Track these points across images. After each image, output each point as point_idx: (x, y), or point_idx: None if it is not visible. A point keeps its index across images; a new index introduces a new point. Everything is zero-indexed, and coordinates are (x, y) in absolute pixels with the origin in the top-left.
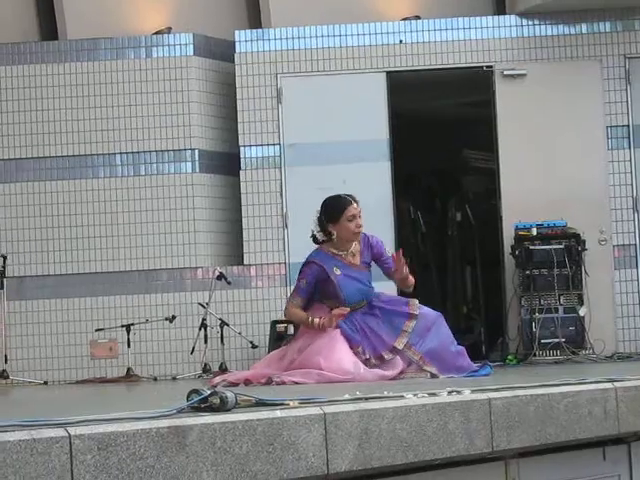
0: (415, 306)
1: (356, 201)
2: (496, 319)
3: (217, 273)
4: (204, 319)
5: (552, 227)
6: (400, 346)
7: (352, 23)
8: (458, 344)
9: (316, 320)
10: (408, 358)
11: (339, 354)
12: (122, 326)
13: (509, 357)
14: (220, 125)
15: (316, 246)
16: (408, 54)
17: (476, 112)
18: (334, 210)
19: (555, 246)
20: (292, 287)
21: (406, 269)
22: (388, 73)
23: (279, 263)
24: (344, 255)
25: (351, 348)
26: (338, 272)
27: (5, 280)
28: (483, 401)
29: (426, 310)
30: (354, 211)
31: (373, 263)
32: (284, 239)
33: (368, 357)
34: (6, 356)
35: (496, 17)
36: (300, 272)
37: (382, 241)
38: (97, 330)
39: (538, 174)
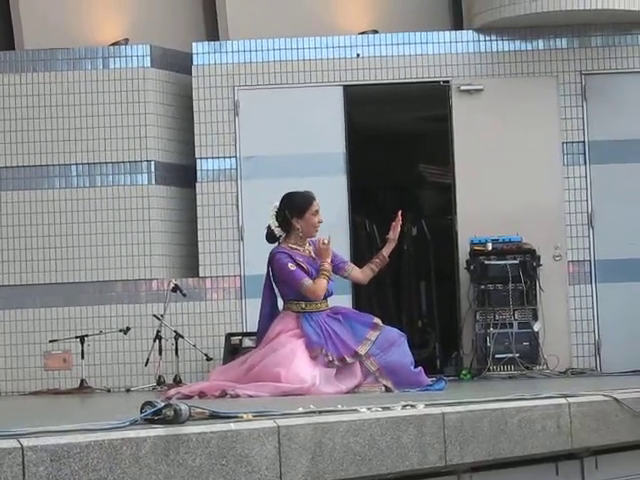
0: (379, 321)
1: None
2: (451, 333)
3: (172, 285)
4: (159, 331)
5: (507, 242)
6: (362, 352)
7: (309, 36)
8: (415, 363)
9: (325, 264)
10: (366, 369)
11: (298, 364)
12: (76, 337)
13: (463, 372)
14: (176, 137)
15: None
16: (365, 68)
17: (433, 127)
18: (300, 205)
19: (510, 261)
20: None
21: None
22: (345, 87)
23: (234, 276)
24: (302, 250)
25: (313, 350)
26: (301, 259)
27: None
28: (437, 415)
29: (390, 327)
30: (317, 206)
31: None
32: (240, 252)
33: (331, 359)
34: None
35: (453, 32)
36: (278, 266)
37: None
38: (51, 341)
39: (494, 189)
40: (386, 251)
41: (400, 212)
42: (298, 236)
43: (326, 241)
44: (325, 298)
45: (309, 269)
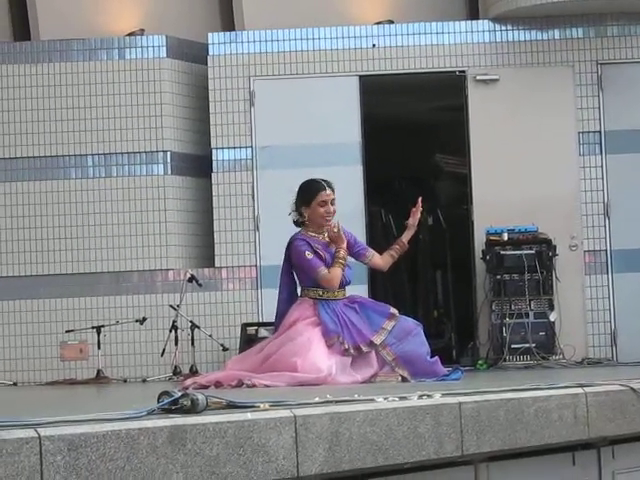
0: (396, 311)
1: (331, 187)
2: (467, 324)
3: (188, 275)
4: (175, 321)
5: (523, 232)
6: (377, 341)
7: (325, 26)
8: (432, 353)
9: (340, 252)
10: (382, 359)
11: (314, 353)
12: (92, 328)
13: (479, 362)
14: (192, 127)
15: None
16: (381, 58)
17: (448, 117)
18: (307, 194)
19: (526, 251)
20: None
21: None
22: (361, 77)
23: (250, 266)
24: (321, 238)
25: (328, 341)
26: (320, 247)
27: None
28: (453, 405)
29: (406, 317)
30: (326, 197)
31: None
32: (255, 242)
33: (347, 347)
34: None
35: (469, 22)
36: (296, 253)
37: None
38: (67, 331)
39: (510, 179)
40: (405, 237)
41: (420, 199)
42: (312, 224)
43: (335, 229)
44: (343, 287)
45: (325, 256)
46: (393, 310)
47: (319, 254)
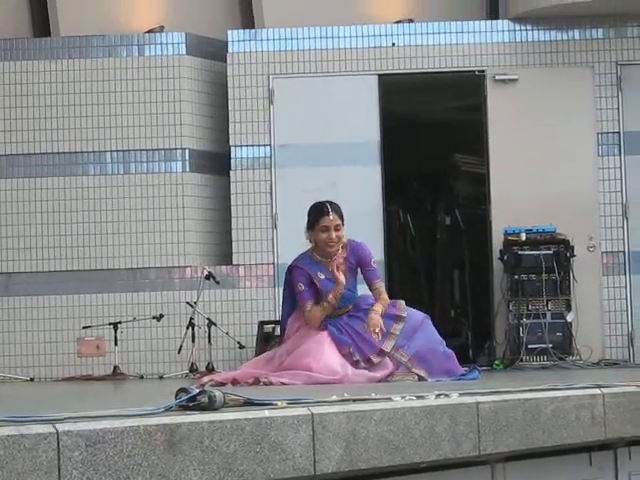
0: (402, 308)
1: (338, 212)
2: (484, 323)
3: (206, 272)
4: (192, 318)
5: (541, 232)
6: (388, 349)
7: (345, 25)
8: (448, 347)
9: (330, 296)
10: (397, 360)
11: (327, 355)
12: (109, 324)
13: (496, 362)
14: (211, 125)
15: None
16: (400, 57)
17: (467, 116)
18: (311, 218)
19: (544, 252)
20: (281, 291)
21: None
22: (380, 76)
23: (268, 264)
24: (327, 262)
25: (340, 349)
26: (322, 276)
27: None
28: (471, 404)
29: (413, 312)
30: (328, 223)
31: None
32: (273, 240)
33: (357, 359)
34: None
35: (489, 22)
36: (288, 280)
37: (370, 250)
38: (84, 328)
39: (528, 179)
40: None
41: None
42: (318, 248)
43: (330, 269)
44: (344, 306)
45: (323, 290)
46: (399, 311)
47: (315, 284)
